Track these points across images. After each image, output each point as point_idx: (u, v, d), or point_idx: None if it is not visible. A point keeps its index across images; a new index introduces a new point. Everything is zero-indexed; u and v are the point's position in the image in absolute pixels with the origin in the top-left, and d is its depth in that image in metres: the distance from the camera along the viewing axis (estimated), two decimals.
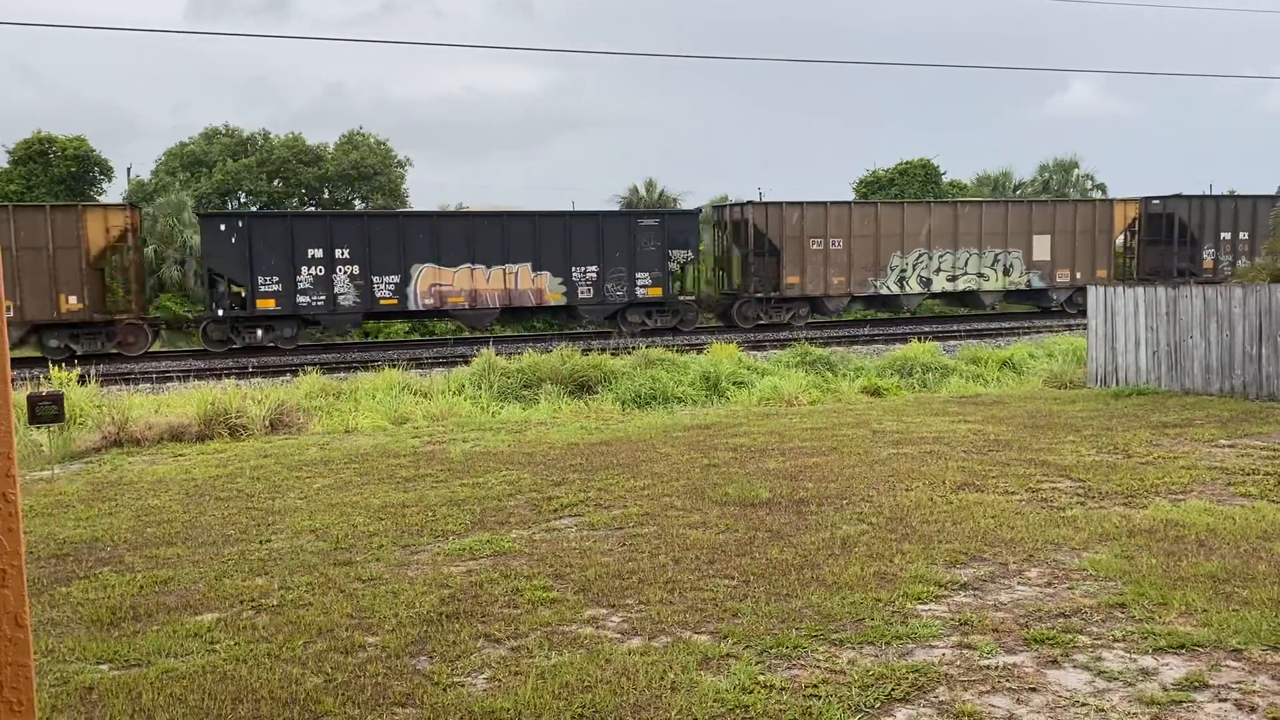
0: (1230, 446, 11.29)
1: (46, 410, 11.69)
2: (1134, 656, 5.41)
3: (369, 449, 12.62)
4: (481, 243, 30.19)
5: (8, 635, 1.52)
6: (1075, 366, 20.20)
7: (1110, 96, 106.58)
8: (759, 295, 33.56)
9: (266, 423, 14.53)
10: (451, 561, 7.48)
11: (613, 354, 22.09)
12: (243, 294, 28.69)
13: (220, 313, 28.48)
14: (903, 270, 34.61)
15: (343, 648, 5.81)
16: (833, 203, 34.55)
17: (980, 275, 35.50)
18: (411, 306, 29.95)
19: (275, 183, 46.45)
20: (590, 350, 22.30)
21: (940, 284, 35.11)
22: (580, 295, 31.22)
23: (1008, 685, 5.09)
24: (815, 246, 33.62)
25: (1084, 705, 4.85)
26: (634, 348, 22.79)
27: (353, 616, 6.33)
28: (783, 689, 5.07)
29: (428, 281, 29.79)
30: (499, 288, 30.36)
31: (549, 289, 30.88)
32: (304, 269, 28.72)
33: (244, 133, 48.04)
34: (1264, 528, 7.68)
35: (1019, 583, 6.65)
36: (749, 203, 34.77)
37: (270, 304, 28.54)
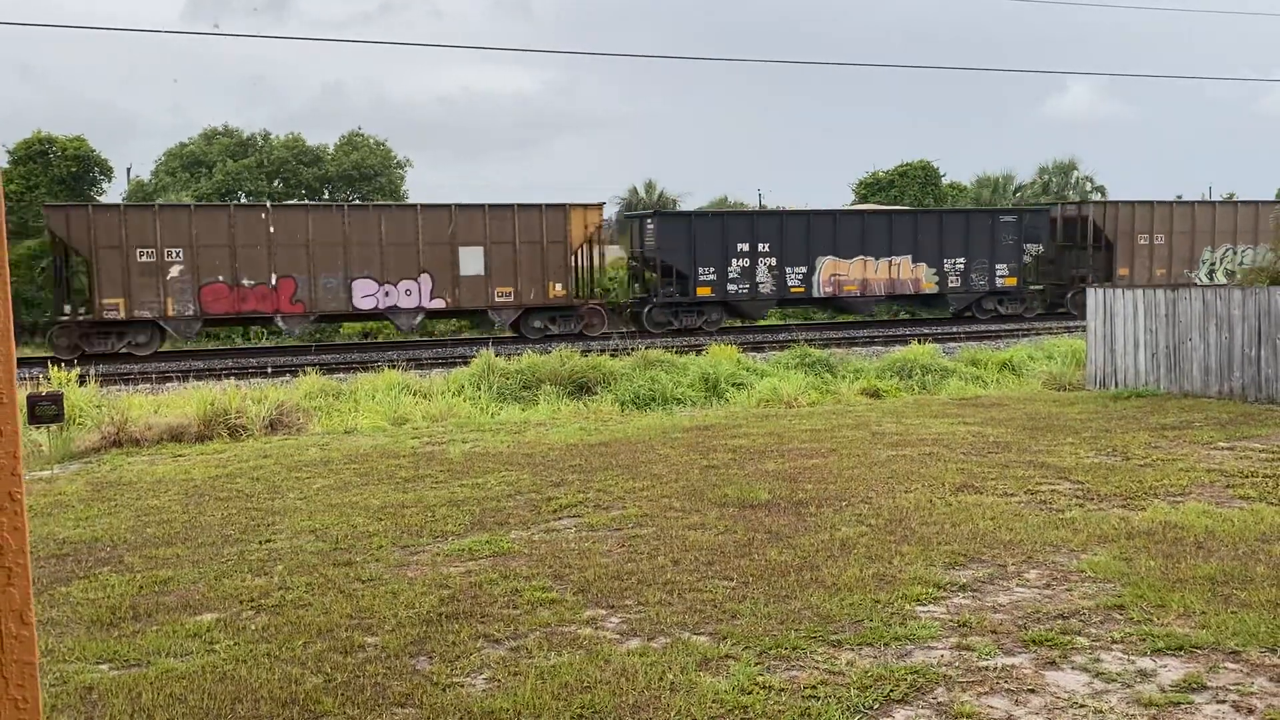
0: (1229, 449, 11.31)
1: (46, 410, 11.69)
2: (1132, 658, 5.42)
3: (368, 449, 12.63)
4: (871, 237, 33.49)
5: (13, 633, 1.53)
6: (1074, 369, 20.21)
7: (1108, 99, 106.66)
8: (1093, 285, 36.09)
9: (266, 423, 14.53)
10: (451, 562, 7.49)
11: (612, 355, 22.10)
12: (686, 282, 31.98)
13: (659, 300, 31.94)
14: (1211, 264, 37.17)
15: (342, 648, 5.82)
16: (1158, 202, 37.76)
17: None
18: (815, 294, 33.39)
19: (275, 183, 46.46)
20: (590, 352, 22.31)
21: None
22: (950, 284, 34.48)
23: (1006, 686, 5.10)
24: (1142, 241, 36.64)
25: (1082, 706, 4.86)
26: (632, 349, 22.82)
27: (352, 617, 6.34)
28: (781, 690, 5.08)
29: (828, 272, 33.18)
30: (885, 277, 33.76)
31: (924, 278, 34.23)
32: (733, 261, 32.24)
33: (244, 133, 48.06)
34: (1262, 530, 7.69)
35: (1018, 584, 6.66)
36: (1089, 202, 38.04)
37: (707, 291, 32.03)
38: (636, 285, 33.75)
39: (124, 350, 27.39)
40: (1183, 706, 4.85)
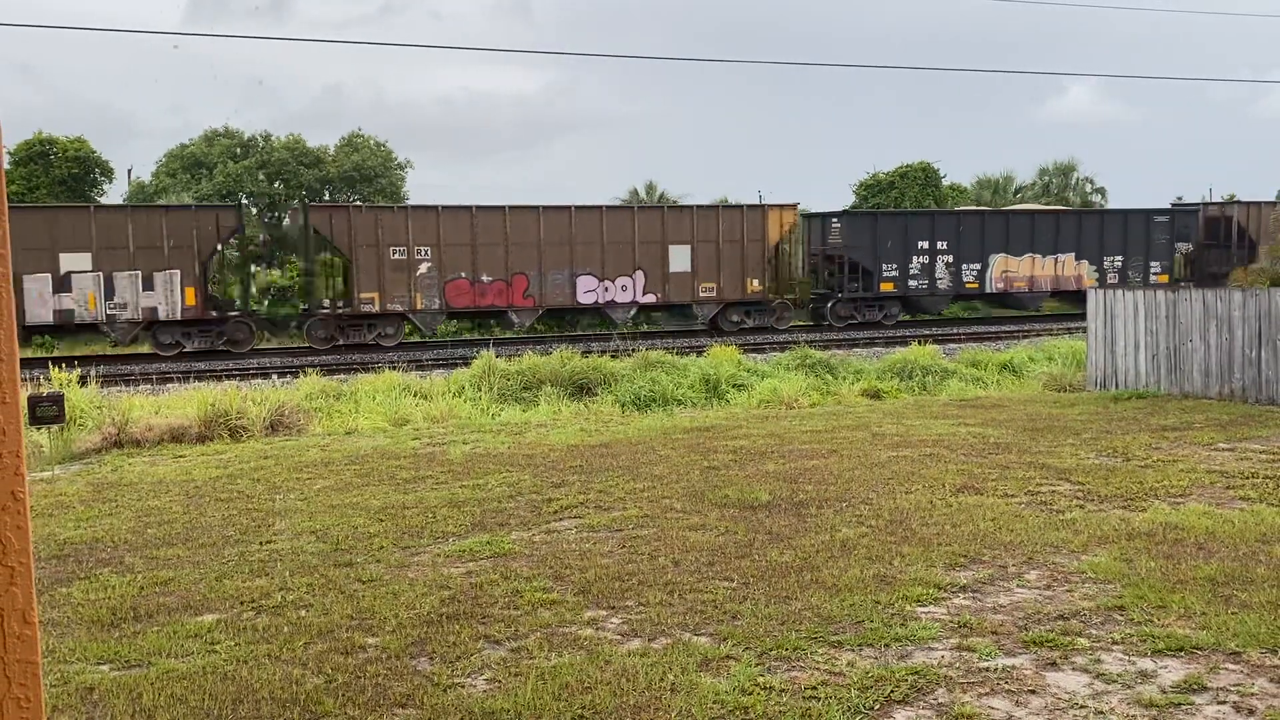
0: (1229, 450, 11.31)
1: (47, 411, 11.68)
2: (1133, 659, 5.42)
3: (369, 450, 12.64)
4: (1039, 235, 35.43)
5: (16, 633, 1.54)
6: (1075, 370, 20.21)
7: (1107, 100, 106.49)
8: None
9: (267, 424, 14.53)
10: (452, 563, 7.49)
11: (612, 356, 22.10)
12: (870, 279, 33.92)
13: (845, 295, 33.90)
14: None
15: (343, 648, 5.82)
16: None
17: None
18: (987, 290, 35.14)
19: (276, 184, 46.49)
20: (590, 353, 22.32)
21: None
22: (1108, 280, 35.96)
23: (1007, 687, 5.11)
24: None
25: (1083, 708, 4.86)
26: (633, 350, 22.82)
27: (353, 617, 6.35)
28: (782, 691, 5.08)
29: (1000, 268, 35.07)
30: (1050, 274, 35.65)
31: (1086, 275, 35.98)
32: (914, 258, 34.03)
33: (244, 134, 48.08)
34: (1262, 531, 7.69)
35: (1018, 585, 6.66)
36: (1234, 202, 39.85)
37: (890, 287, 33.94)
38: (816, 281, 35.49)
39: (372, 341, 29.22)
40: (1183, 707, 4.85)
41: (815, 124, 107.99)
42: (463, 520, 8.72)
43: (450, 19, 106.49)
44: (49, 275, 26.50)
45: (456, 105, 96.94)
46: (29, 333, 27.36)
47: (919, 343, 25.62)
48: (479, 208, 30.56)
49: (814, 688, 5.11)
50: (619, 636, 5.93)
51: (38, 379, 18.69)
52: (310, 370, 22.22)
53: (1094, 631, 5.81)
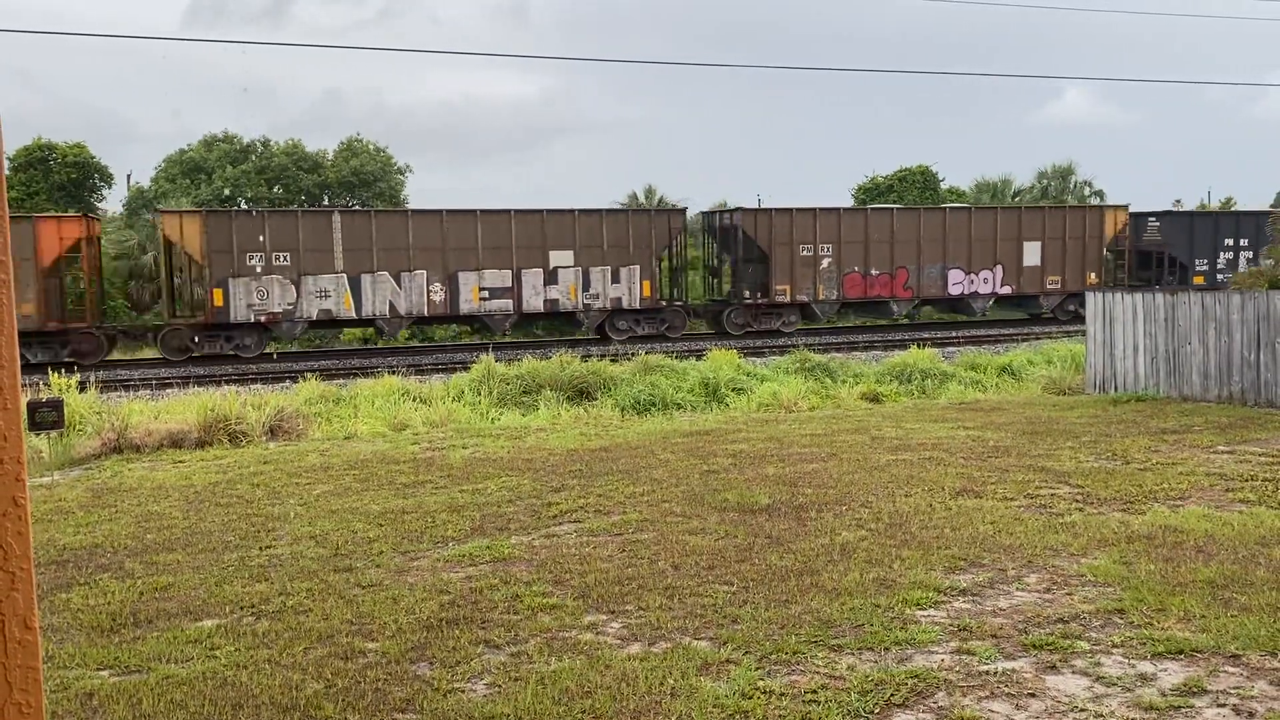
0: (1229, 452, 11.31)
1: (46, 417, 11.69)
2: (1133, 662, 5.42)
3: (369, 455, 12.63)
4: None
5: (17, 638, 1.54)
6: (1074, 373, 20.21)
7: (1104, 103, 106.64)
8: None
9: (266, 429, 14.53)
10: (451, 567, 7.49)
11: (612, 360, 22.11)
12: (1185, 272, 36.76)
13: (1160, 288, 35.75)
14: None
15: (343, 653, 5.82)
16: None
17: None
18: None
19: (275, 189, 46.50)
20: (589, 357, 22.32)
21: None
22: None
23: (1007, 691, 5.11)
24: None
25: (1083, 711, 4.86)
26: (633, 354, 22.84)
27: (353, 622, 6.35)
28: (782, 694, 5.08)
29: None
30: None
31: None
32: (1221, 254, 37.39)
33: (243, 139, 48.08)
34: (1262, 533, 7.69)
35: (1018, 588, 6.66)
36: None
37: (1200, 280, 36.41)
38: (1122, 273, 38.27)
39: (777, 328, 32.91)
40: (1183, 710, 4.86)
41: (813, 127, 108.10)
42: (462, 525, 8.72)
43: (448, 23, 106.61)
44: (540, 270, 30.42)
45: (455, 109, 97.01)
46: (526, 319, 31.28)
47: (918, 346, 25.61)
48: (872, 209, 35.11)
49: (814, 691, 5.11)
50: (619, 641, 5.93)
51: (37, 384, 18.69)
52: (309, 375, 22.21)
53: (1094, 634, 5.81)
